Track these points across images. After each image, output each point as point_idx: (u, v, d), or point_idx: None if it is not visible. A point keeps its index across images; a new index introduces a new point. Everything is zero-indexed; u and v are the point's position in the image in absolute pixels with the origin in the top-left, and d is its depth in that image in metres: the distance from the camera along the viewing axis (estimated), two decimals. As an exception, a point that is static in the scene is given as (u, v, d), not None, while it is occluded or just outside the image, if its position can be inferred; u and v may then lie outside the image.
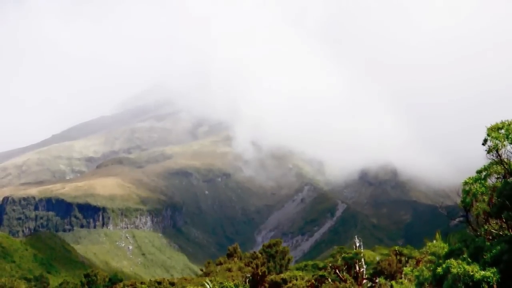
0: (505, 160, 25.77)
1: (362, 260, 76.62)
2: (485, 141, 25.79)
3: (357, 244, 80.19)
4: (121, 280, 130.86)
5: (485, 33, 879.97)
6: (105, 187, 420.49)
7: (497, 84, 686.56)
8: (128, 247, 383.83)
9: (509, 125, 25.58)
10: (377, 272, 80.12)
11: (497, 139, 25.45)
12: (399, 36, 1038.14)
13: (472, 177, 26.73)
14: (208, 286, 42.60)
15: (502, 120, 25.90)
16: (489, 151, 25.91)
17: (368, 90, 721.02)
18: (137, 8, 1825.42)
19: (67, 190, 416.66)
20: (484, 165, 26.35)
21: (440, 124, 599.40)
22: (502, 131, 25.56)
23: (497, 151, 25.71)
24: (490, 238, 26.16)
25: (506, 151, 25.62)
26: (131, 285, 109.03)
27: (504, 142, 25.48)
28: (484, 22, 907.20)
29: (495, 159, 25.99)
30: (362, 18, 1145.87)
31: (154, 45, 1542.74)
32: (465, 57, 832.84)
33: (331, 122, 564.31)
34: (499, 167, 26.10)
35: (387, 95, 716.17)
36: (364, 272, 76.27)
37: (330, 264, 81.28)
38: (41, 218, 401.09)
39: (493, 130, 25.68)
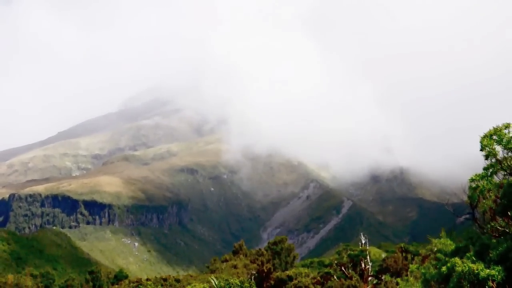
0: (504, 162, 25.78)
1: (368, 257, 76.58)
2: (482, 148, 25.86)
3: (363, 241, 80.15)
4: (126, 277, 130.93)
5: (482, 18, 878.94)
6: (111, 184, 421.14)
7: (499, 71, 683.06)
8: (134, 244, 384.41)
9: (500, 130, 25.58)
10: (382, 269, 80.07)
11: (489, 148, 25.53)
12: (389, 25, 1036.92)
13: (479, 174, 26.65)
14: (213, 283, 42.53)
15: (494, 126, 25.95)
16: (486, 158, 25.98)
17: (366, 86, 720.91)
18: (137, 7, 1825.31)
19: (73, 187, 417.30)
20: (491, 162, 26.28)
21: (445, 118, 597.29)
22: (495, 137, 25.60)
23: (494, 156, 25.77)
24: (497, 235, 26.05)
25: (504, 152, 25.67)
26: (136, 281, 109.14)
27: (497, 148, 25.54)
28: (479, 6, 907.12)
29: (494, 163, 26.05)
30: (350, 11, 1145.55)
31: (158, 43, 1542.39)
32: (462, 43, 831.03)
33: (334, 121, 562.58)
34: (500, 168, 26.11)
35: (386, 90, 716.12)
36: (370, 269, 76.20)
37: (335, 261, 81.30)
38: (47, 215, 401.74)
39: (486, 138, 25.74)
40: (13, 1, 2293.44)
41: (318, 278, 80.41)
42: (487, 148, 25.61)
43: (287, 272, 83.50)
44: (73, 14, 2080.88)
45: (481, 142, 25.79)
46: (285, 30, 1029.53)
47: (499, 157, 25.71)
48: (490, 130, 25.88)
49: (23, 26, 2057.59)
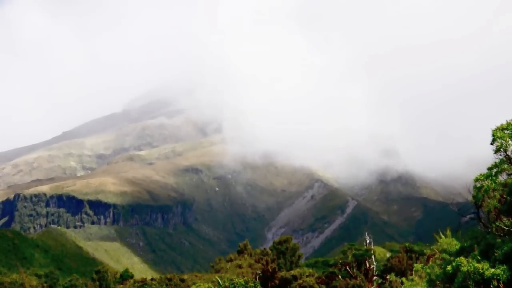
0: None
1: (373, 257, 76.61)
2: (493, 141, 25.80)
3: (368, 241, 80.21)
4: (131, 277, 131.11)
5: (474, 10, 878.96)
6: (116, 184, 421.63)
7: (502, 62, 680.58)
8: (139, 244, 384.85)
9: (513, 124, 25.58)
10: (387, 269, 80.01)
11: (502, 139, 25.46)
12: (381, 20, 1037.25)
13: (483, 174, 26.63)
14: (219, 282, 42.58)
15: (507, 120, 25.92)
16: (496, 151, 25.92)
17: (365, 84, 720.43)
18: (139, 9, 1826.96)
19: (78, 186, 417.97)
20: (495, 162, 26.27)
21: (448, 115, 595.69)
22: (507, 131, 25.56)
23: (504, 151, 25.71)
24: (502, 235, 26.05)
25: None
26: (141, 281, 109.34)
27: (510, 142, 25.47)
28: None
29: (504, 158, 25.98)
30: (344, 10, 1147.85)
31: (161, 44, 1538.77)
32: (459, 35, 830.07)
33: (337, 121, 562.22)
34: (508, 165, 26.07)
35: (385, 87, 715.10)
36: (375, 268, 76.23)
37: (340, 261, 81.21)
38: (52, 214, 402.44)
39: (499, 130, 25.69)
40: (9, 4, 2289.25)
41: (323, 277, 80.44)
42: (499, 141, 25.56)
43: (292, 272, 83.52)
44: (77, 17, 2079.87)
45: (493, 134, 25.75)
46: (283, 31, 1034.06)
47: (509, 152, 25.68)
48: (502, 124, 25.85)
49: (25, 28, 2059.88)
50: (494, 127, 25.94)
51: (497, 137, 25.49)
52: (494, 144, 25.81)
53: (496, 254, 24.26)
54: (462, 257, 24.78)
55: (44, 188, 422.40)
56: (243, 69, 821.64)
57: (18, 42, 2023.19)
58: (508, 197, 25.51)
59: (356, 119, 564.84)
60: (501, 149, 25.63)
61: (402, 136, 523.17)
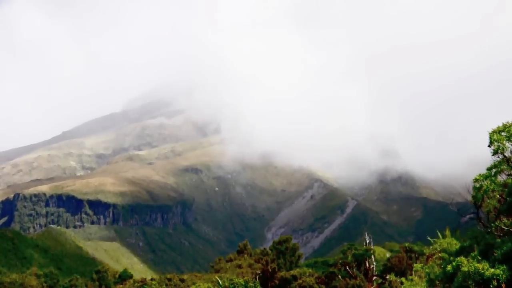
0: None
1: (372, 257, 76.61)
2: (491, 143, 25.86)
3: (367, 241, 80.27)
4: (131, 277, 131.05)
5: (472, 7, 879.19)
6: (116, 184, 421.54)
7: (502, 60, 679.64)
8: (138, 244, 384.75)
9: (510, 126, 25.62)
10: (387, 269, 79.99)
11: (499, 142, 25.52)
12: (379, 19, 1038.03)
13: (483, 174, 26.67)
14: (218, 282, 42.66)
15: (503, 123, 26.00)
16: (494, 154, 25.98)
17: (364, 83, 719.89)
18: (140, 6, 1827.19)
19: (77, 186, 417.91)
20: (494, 162, 26.31)
21: (448, 114, 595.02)
22: (504, 133, 25.62)
23: (502, 153, 25.78)
24: (501, 235, 26.09)
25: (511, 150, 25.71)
26: (141, 281, 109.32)
27: (506, 144, 25.53)
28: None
29: (502, 160, 26.05)
30: (344, 8, 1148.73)
31: (161, 44, 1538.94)
32: (459, 33, 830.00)
33: (337, 121, 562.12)
34: (507, 166, 26.14)
35: (384, 86, 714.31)
36: (374, 268, 76.25)
37: (340, 261, 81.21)
38: (52, 214, 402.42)
39: (495, 133, 25.75)
40: (8, 4, 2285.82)
41: (323, 277, 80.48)
42: (496, 143, 25.63)
43: (292, 272, 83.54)
44: (76, 17, 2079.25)
45: (490, 137, 25.80)
46: (281, 31, 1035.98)
47: (506, 154, 25.75)
48: (499, 126, 25.91)
49: (24, 28, 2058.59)
50: (490, 130, 26.02)
51: (494, 139, 25.56)
52: (492, 147, 25.88)
53: (495, 254, 24.31)
54: (462, 257, 24.84)
55: (44, 188, 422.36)
56: (242, 69, 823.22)
57: (18, 42, 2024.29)
58: (508, 197, 25.57)
59: (355, 119, 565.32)
60: (499, 152, 25.71)
61: (402, 136, 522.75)
